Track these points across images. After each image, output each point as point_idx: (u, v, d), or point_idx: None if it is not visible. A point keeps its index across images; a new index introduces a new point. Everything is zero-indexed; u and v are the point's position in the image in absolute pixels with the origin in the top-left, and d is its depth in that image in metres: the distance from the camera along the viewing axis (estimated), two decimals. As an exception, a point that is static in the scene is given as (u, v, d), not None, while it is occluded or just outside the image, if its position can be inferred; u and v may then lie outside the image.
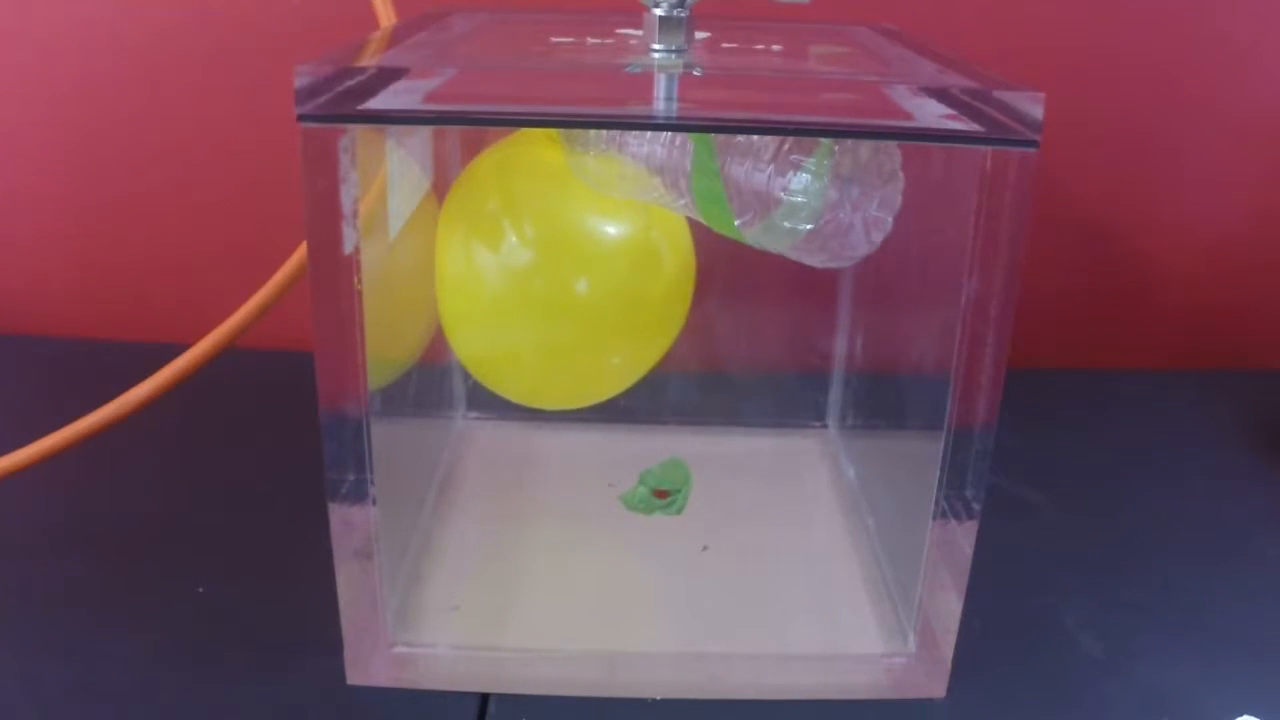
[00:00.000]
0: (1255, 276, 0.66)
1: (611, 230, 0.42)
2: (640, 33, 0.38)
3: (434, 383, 0.51)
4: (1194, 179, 0.63)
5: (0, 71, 0.60)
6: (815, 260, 0.37)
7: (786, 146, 0.35)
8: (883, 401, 0.48)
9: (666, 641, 0.41)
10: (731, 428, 0.55)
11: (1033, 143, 0.31)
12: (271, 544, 0.45)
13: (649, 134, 0.38)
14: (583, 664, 0.39)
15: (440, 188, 0.44)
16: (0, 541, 0.45)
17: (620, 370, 0.45)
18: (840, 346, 0.53)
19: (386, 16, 0.42)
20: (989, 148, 0.31)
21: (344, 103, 0.30)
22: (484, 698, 0.37)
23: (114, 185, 0.63)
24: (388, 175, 0.36)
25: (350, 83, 0.30)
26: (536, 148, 0.42)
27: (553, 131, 0.42)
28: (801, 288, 0.51)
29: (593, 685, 0.38)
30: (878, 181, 0.35)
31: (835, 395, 0.54)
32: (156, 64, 0.59)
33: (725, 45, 0.41)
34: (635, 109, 0.32)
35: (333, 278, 0.32)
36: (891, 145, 0.35)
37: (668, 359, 0.46)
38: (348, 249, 0.32)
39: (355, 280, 0.32)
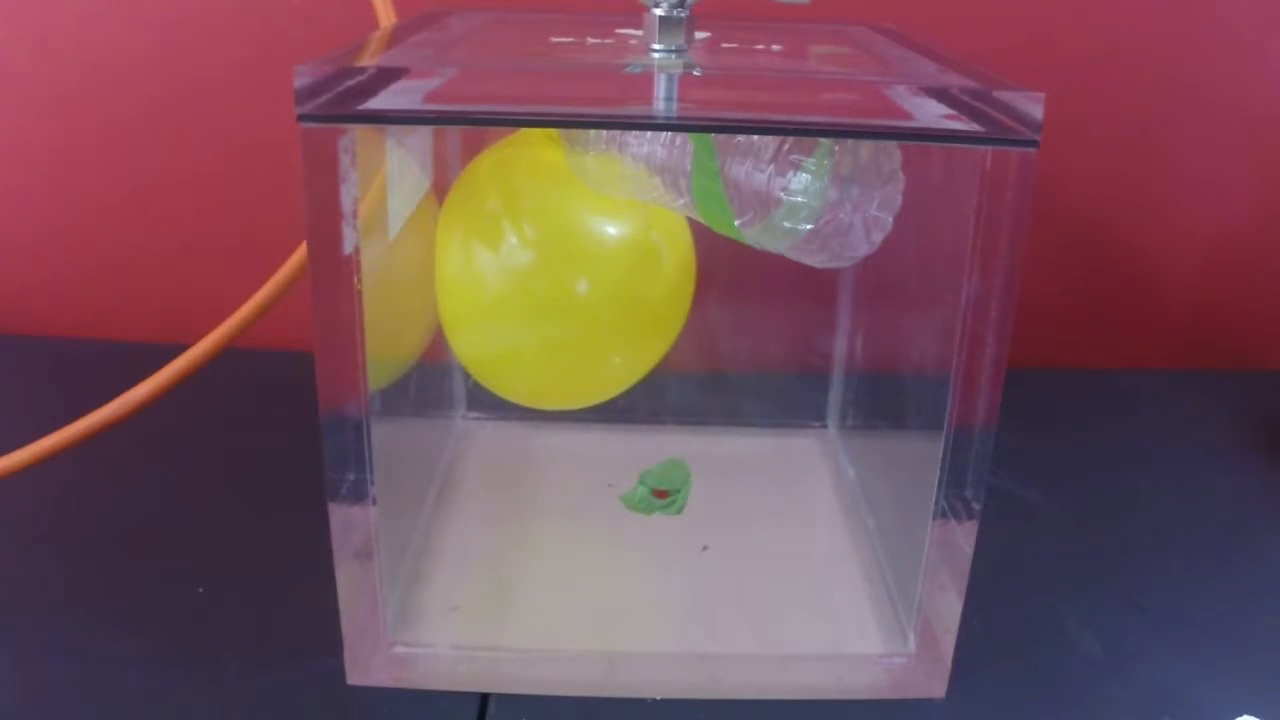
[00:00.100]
0: (1255, 276, 0.66)
1: (611, 230, 0.42)
2: (640, 33, 0.38)
3: (434, 383, 0.51)
4: (1194, 179, 0.63)
5: (0, 71, 0.60)
6: (815, 260, 0.37)
7: (786, 146, 0.35)
8: (883, 401, 0.48)
9: (666, 641, 0.41)
10: (731, 428, 0.55)
11: (1033, 143, 0.31)
12: (271, 544, 0.45)
13: (649, 134, 0.38)
14: (583, 664, 0.39)
15: (440, 188, 0.44)
16: (0, 541, 0.45)
17: (620, 370, 0.45)
18: (840, 346, 0.53)
19: (386, 16, 0.42)
20: (989, 148, 0.31)
21: (344, 103, 0.30)
22: (484, 698, 0.37)
23: (114, 185, 0.63)
24: (388, 175, 0.36)
25: (350, 83, 0.30)
26: (536, 148, 0.42)
27: (553, 131, 0.42)
28: (801, 288, 0.51)
29: (593, 685, 0.38)
30: (878, 181, 0.35)
31: (835, 395, 0.54)
32: (157, 63, 0.59)
33: (725, 45, 0.41)
34: (635, 109, 0.32)
35: (333, 278, 0.32)
36: (891, 145, 0.35)
37: (668, 359, 0.46)
38: (348, 249, 0.32)
39: (355, 280, 0.32)
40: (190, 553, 0.45)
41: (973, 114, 0.31)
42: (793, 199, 0.35)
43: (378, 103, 0.30)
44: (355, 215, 0.32)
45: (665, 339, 0.45)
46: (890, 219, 0.35)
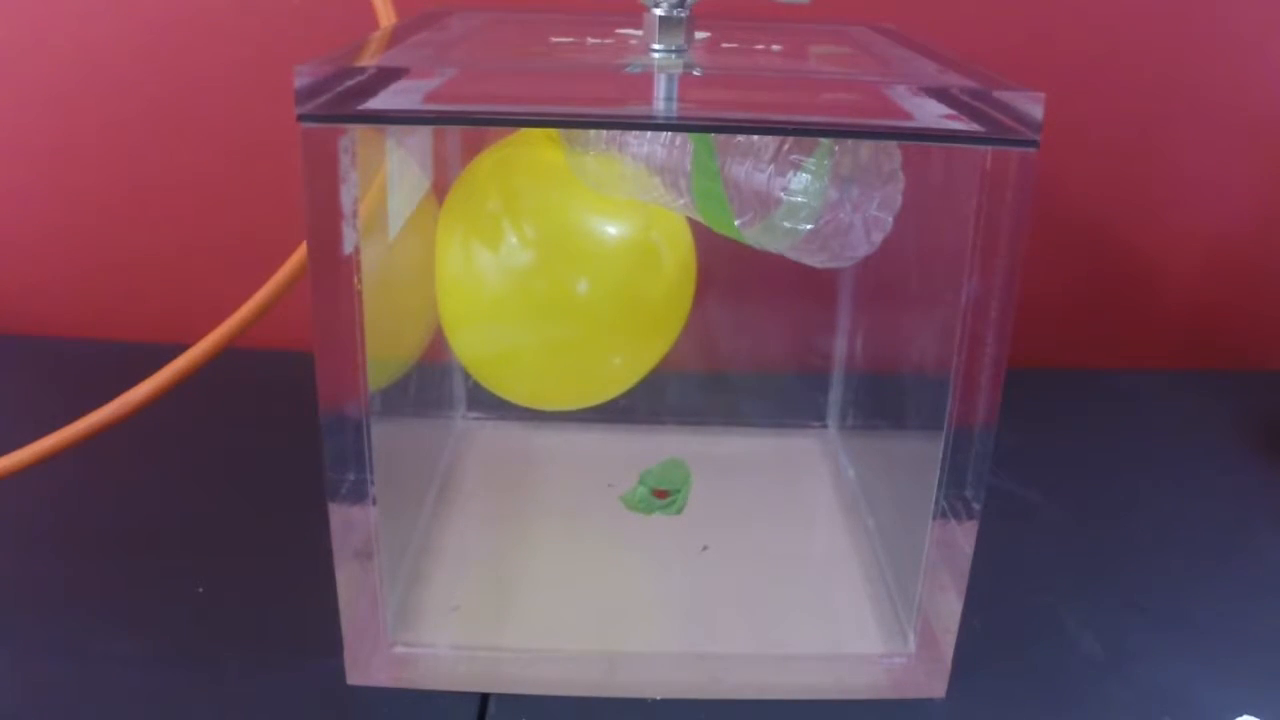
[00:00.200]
0: (1255, 276, 0.66)
1: (611, 230, 0.42)
2: (640, 33, 0.38)
3: (434, 383, 0.51)
4: (1194, 179, 0.63)
5: (0, 71, 0.60)
6: (815, 260, 0.37)
7: (786, 146, 0.35)
8: (883, 401, 0.48)
9: (666, 641, 0.41)
10: (731, 428, 0.55)
11: (1033, 143, 0.31)
12: (271, 544, 0.45)
13: (649, 134, 0.38)
14: (583, 664, 0.39)
15: (440, 188, 0.44)
16: (0, 541, 0.45)
17: (621, 371, 0.45)
18: (840, 346, 0.53)
19: (386, 16, 0.42)
20: (989, 148, 0.31)
21: (344, 103, 0.30)
22: (484, 698, 0.37)
23: (114, 185, 0.63)
24: (388, 175, 0.36)
25: (350, 83, 0.30)
26: (536, 148, 0.42)
27: (553, 131, 0.42)
28: (801, 288, 0.51)
29: (593, 685, 0.38)
30: (878, 181, 0.35)
31: (835, 395, 0.54)
32: (157, 63, 0.59)
33: (725, 45, 0.41)
34: (635, 109, 0.32)
35: (333, 278, 0.32)
36: (891, 145, 0.35)
37: (668, 359, 0.46)
38: (348, 249, 0.32)
39: (355, 280, 0.32)
40: (190, 553, 0.45)
41: (973, 114, 0.31)
42: (793, 199, 0.35)
43: (378, 103, 0.30)
44: (355, 215, 0.32)
45: (665, 339, 0.45)
46: (890, 219, 0.35)
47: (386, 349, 0.37)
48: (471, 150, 0.44)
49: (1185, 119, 0.62)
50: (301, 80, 0.30)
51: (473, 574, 0.44)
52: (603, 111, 0.32)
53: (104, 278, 0.65)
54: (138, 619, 0.40)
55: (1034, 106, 0.30)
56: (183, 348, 0.39)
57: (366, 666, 0.38)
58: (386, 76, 0.31)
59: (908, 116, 0.31)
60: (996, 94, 0.31)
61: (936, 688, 0.38)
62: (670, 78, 0.32)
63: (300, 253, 0.38)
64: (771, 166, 0.35)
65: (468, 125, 0.44)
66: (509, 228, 0.41)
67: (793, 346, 0.54)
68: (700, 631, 0.41)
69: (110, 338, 0.65)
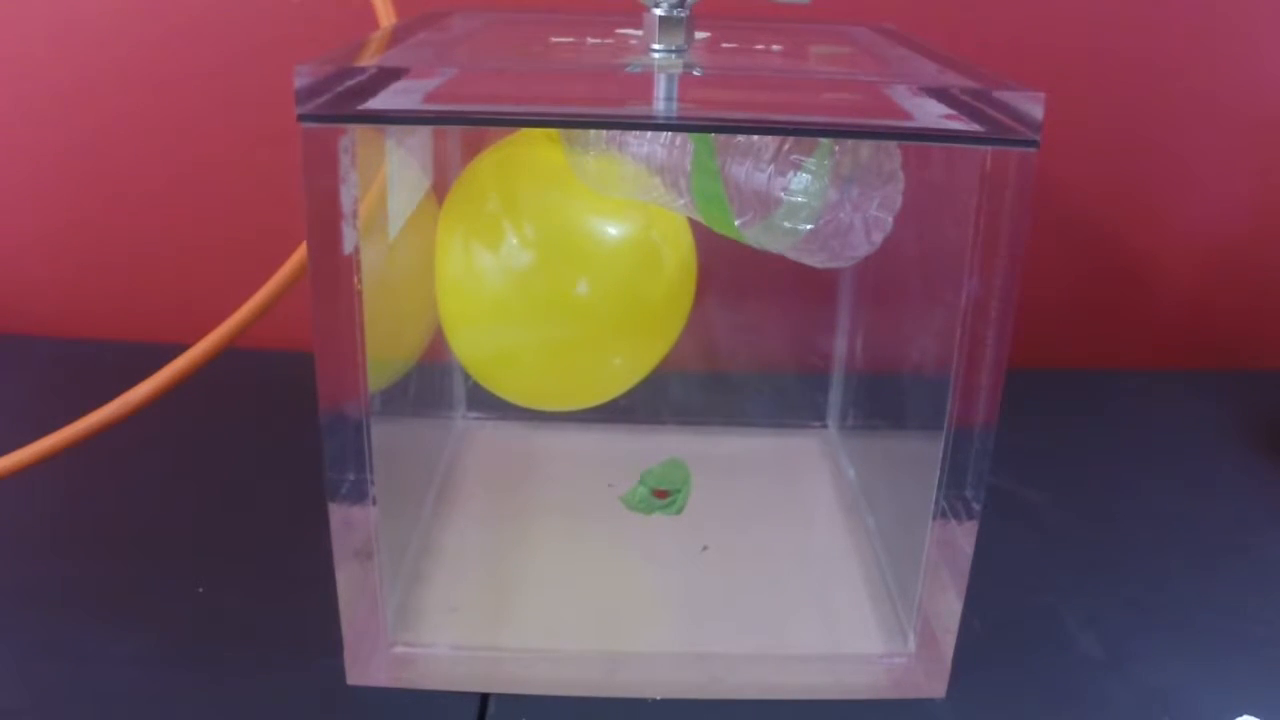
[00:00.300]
0: (1256, 276, 0.66)
1: (612, 230, 0.42)
2: (640, 33, 0.38)
3: (434, 383, 0.51)
4: (1194, 179, 0.63)
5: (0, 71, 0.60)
6: (815, 260, 0.37)
7: (786, 146, 0.35)
8: (883, 401, 0.48)
9: (666, 641, 0.41)
10: (731, 428, 0.55)
11: (1033, 143, 0.31)
12: (271, 544, 0.45)
13: (649, 134, 0.37)
14: (583, 664, 0.39)
15: (440, 188, 0.44)
16: (0, 541, 0.45)
17: (621, 371, 0.45)
18: (840, 346, 0.53)
19: (386, 16, 0.42)
20: (989, 148, 0.31)
21: (344, 103, 0.30)
22: (484, 698, 0.37)
23: (113, 185, 0.63)
24: (388, 175, 0.36)
25: (350, 83, 0.30)
26: (536, 148, 0.42)
27: (553, 131, 0.42)
28: (801, 288, 0.51)
29: (593, 685, 0.38)
30: (878, 181, 0.35)
31: (835, 395, 0.54)
32: (157, 63, 0.60)
33: (725, 45, 0.41)
34: (635, 109, 0.32)
35: (333, 278, 0.32)
36: (891, 145, 0.35)
37: (668, 359, 0.46)
38: (348, 249, 0.32)
39: (355, 280, 0.32)
40: (190, 553, 0.45)
41: (973, 114, 0.31)
42: (793, 199, 0.35)
43: (378, 103, 0.30)
44: (355, 215, 0.32)
45: (666, 339, 0.45)
46: (890, 219, 0.35)
47: (386, 349, 0.37)
48: (471, 150, 0.44)
49: (1185, 119, 0.62)
50: (301, 80, 0.30)
51: (472, 574, 0.44)
52: (603, 111, 0.32)
53: (104, 278, 0.65)
54: (138, 619, 0.40)
55: (1034, 106, 0.30)
56: (183, 348, 0.39)
57: (366, 666, 0.38)
58: (386, 76, 0.31)
59: (908, 116, 0.31)
60: (996, 94, 0.31)
61: (936, 688, 0.38)
62: (670, 78, 0.32)
63: (300, 253, 0.38)
64: (771, 166, 0.35)
65: (468, 125, 0.44)
66: (509, 228, 0.41)
67: (793, 346, 0.54)
68: (700, 631, 0.41)
69: (110, 338, 0.65)
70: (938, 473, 0.35)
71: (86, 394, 0.40)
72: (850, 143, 0.34)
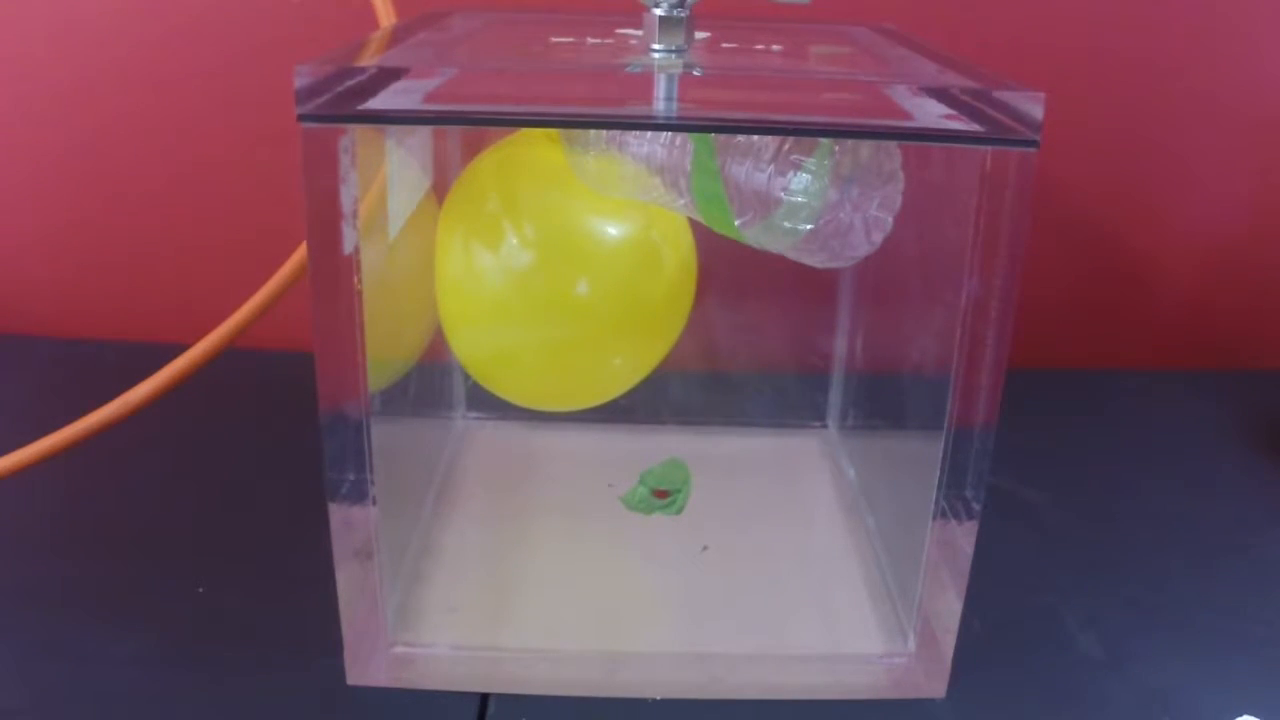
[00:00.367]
0: (1256, 276, 0.66)
1: (612, 230, 0.42)
2: (640, 33, 0.38)
3: (434, 383, 0.51)
4: (1194, 179, 0.63)
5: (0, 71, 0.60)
6: (815, 260, 0.37)
7: (786, 146, 0.35)
8: (883, 401, 0.48)
9: (666, 641, 0.41)
10: (731, 428, 0.55)
11: (1033, 143, 0.31)
12: (271, 544, 0.45)
13: (649, 134, 0.37)
14: (583, 664, 0.39)
15: (440, 188, 0.44)
16: (0, 541, 0.45)
17: (621, 371, 0.45)
18: (840, 346, 0.53)
19: (386, 16, 0.42)
20: (989, 148, 0.31)
21: (344, 103, 0.30)
22: (484, 698, 0.37)
23: (113, 185, 0.63)
24: (388, 175, 0.36)
25: (350, 83, 0.30)
26: (536, 148, 0.42)
27: (553, 131, 0.42)
28: (801, 288, 0.51)
29: (593, 685, 0.38)
30: (878, 181, 0.35)
31: (835, 395, 0.54)
32: (157, 62, 0.60)
33: (725, 45, 0.41)
34: (635, 109, 0.32)
35: (333, 278, 0.32)
36: (891, 145, 0.35)
37: (668, 359, 0.46)
38: (348, 249, 0.32)
39: (355, 280, 0.32)
40: (190, 553, 0.45)
41: (973, 114, 0.31)
42: (793, 199, 0.35)
43: (378, 103, 0.30)
44: (355, 215, 0.32)
45: (666, 340, 0.45)
46: (890, 219, 0.35)
47: (386, 349, 0.37)
48: (471, 150, 0.44)
49: (1185, 119, 0.62)
50: (301, 80, 0.30)
51: (472, 574, 0.44)
52: (603, 111, 0.32)
53: (104, 278, 0.65)
54: (138, 619, 0.40)
55: (1034, 106, 0.30)
56: (183, 348, 0.39)
57: (366, 666, 0.38)
58: (386, 76, 0.31)
59: (908, 116, 0.31)
60: (996, 94, 0.31)
61: (936, 688, 0.38)
62: (670, 78, 0.32)
63: (300, 253, 0.38)
64: (771, 166, 0.35)
65: (468, 125, 0.44)
66: (509, 228, 0.41)
67: (793, 346, 0.54)
68: (700, 631, 0.41)
69: (110, 338, 0.65)
70: (938, 473, 0.35)
71: (86, 394, 0.40)
72: (850, 143, 0.34)
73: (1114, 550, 0.47)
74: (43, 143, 0.62)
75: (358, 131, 0.31)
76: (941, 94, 0.31)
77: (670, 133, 0.37)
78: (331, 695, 0.37)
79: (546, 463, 0.52)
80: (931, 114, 0.31)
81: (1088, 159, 0.62)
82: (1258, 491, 0.52)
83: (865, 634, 0.40)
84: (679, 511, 0.47)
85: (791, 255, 0.37)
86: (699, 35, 0.40)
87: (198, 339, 0.39)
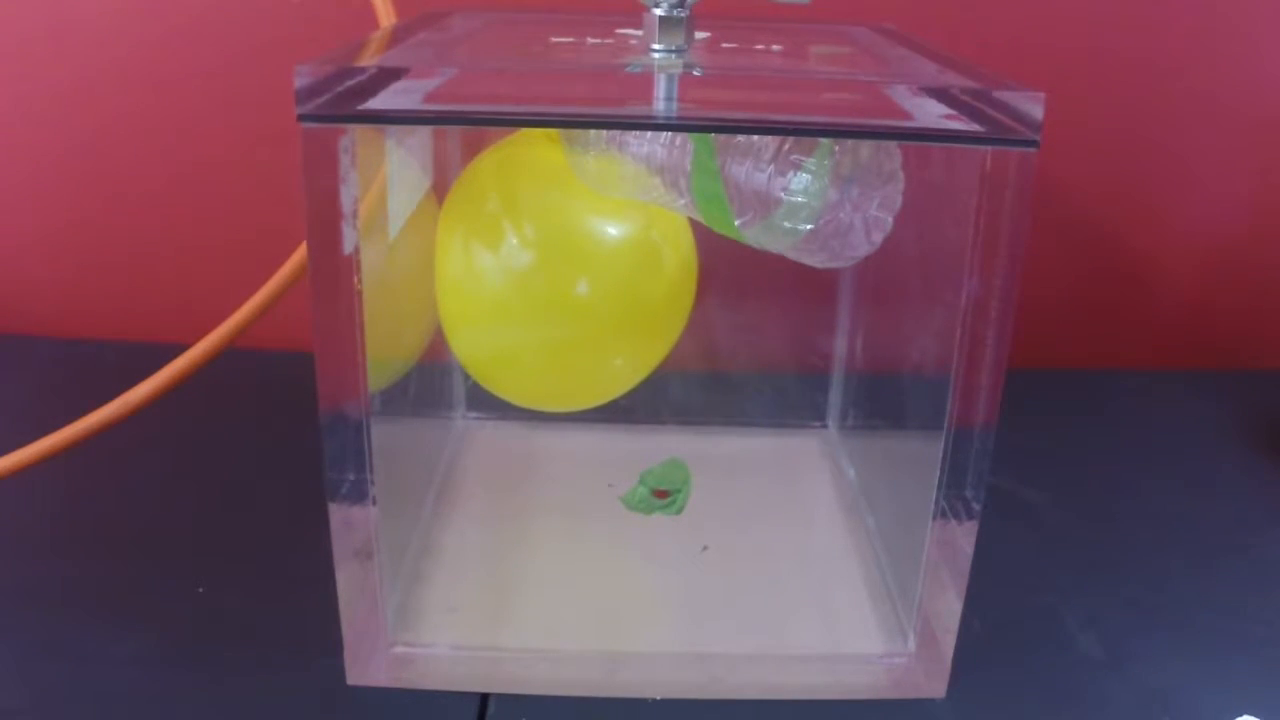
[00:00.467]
0: (1256, 276, 0.66)
1: (612, 230, 0.42)
2: (640, 33, 0.38)
3: (434, 383, 0.51)
4: (1194, 179, 0.63)
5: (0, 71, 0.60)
6: (815, 260, 0.37)
7: (786, 146, 0.35)
8: (883, 401, 0.48)
9: (666, 641, 0.41)
10: (731, 428, 0.55)
11: (1033, 143, 0.31)
12: (271, 544, 0.45)
13: (649, 134, 0.37)
14: (583, 664, 0.39)
15: (440, 188, 0.44)
16: (0, 541, 0.45)
17: (621, 372, 0.45)
18: (840, 346, 0.53)
19: (386, 16, 0.42)
20: (989, 148, 0.31)
21: (344, 103, 0.30)
22: (484, 698, 0.37)
23: (113, 185, 0.63)
24: (388, 175, 0.36)
25: (350, 83, 0.30)
26: (536, 148, 0.42)
27: (553, 131, 0.42)
28: (801, 288, 0.51)
29: (593, 685, 0.38)
30: (878, 181, 0.35)
31: (835, 395, 0.54)
32: (156, 62, 0.60)
33: (725, 45, 0.41)
34: (635, 109, 0.32)
35: (333, 278, 0.32)
36: (891, 145, 0.35)
37: (668, 359, 0.46)
38: (348, 249, 0.32)
39: (355, 280, 0.32)
40: (190, 553, 0.45)
41: (973, 114, 0.31)
42: (793, 199, 0.35)
43: (378, 103, 0.30)
44: (355, 215, 0.32)
45: (666, 340, 0.45)
46: (890, 219, 0.35)
47: (386, 349, 0.37)
48: (471, 150, 0.44)
49: (1186, 119, 0.62)
50: (301, 80, 0.30)
51: (472, 574, 0.44)
52: (603, 111, 0.32)
53: (104, 278, 0.65)
54: (138, 619, 0.40)
55: (1034, 106, 0.30)
56: (183, 348, 0.39)
57: (366, 666, 0.38)
58: (386, 76, 0.31)
59: (908, 116, 0.31)
60: (996, 94, 0.31)
61: (936, 688, 0.38)
62: (670, 78, 0.32)
63: (300, 253, 0.38)
64: (771, 166, 0.35)
65: (468, 125, 0.44)
66: (509, 228, 0.41)
67: (793, 346, 0.54)
68: (700, 631, 0.41)
69: (110, 338, 0.65)
70: (938, 473, 0.35)
71: (86, 394, 0.40)
72: (850, 143, 0.34)
73: (1114, 550, 0.47)
74: (43, 143, 0.62)
75: (358, 131, 0.31)
76: (941, 94, 0.31)
77: (670, 133, 0.37)
78: (331, 695, 0.37)
79: (546, 463, 0.52)
80: (931, 114, 0.31)
81: (1088, 159, 0.62)
82: (1258, 491, 0.52)
83: (865, 634, 0.40)
84: (679, 511, 0.47)
85: (791, 255, 0.37)
86: (699, 35, 0.40)
87: (198, 339, 0.39)
